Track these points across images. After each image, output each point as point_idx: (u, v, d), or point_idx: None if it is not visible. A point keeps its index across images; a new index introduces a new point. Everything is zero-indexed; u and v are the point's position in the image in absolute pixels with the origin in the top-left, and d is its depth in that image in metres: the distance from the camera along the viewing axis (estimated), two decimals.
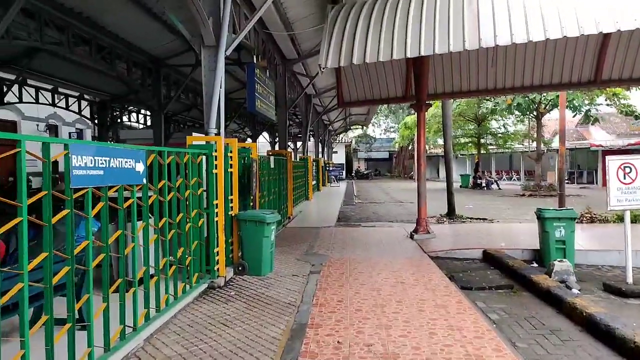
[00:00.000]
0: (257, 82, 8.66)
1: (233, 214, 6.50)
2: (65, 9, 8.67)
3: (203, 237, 5.66)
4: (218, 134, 6.24)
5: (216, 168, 5.92)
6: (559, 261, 6.20)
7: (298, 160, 18.09)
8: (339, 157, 48.43)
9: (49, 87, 16.16)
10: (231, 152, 6.47)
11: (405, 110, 54.10)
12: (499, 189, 28.05)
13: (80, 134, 23.91)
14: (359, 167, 55.71)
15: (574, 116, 24.02)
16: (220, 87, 6.27)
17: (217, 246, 5.95)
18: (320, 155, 29.39)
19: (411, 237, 9.44)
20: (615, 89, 21.33)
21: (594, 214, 10.86)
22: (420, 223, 9.57)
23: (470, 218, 12.60)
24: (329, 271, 6.62)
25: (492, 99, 23.86)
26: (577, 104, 20.51)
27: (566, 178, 26.22)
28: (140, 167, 4.02)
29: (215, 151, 5.92)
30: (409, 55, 6.72)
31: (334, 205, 17.50)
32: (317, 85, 17.86)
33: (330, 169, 36.54)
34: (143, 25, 9.85)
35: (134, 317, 3.94)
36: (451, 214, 12.97)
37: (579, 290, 5.75)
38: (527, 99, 21.45)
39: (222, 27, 6.13)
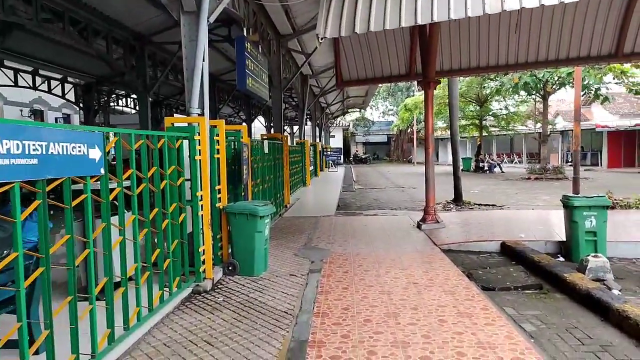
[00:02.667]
0: (247, 57, 7.77)
1: (221, 207, 5.69)
2: None
3: (185, 235, 4.86)
4: (202, 114, 5.40)
5: (199, 154, 5.10)
6: (593, 256, 5.44)
7: (295, 144, 17.23)
8: (337, 142, 47.43)
9: (29, 68, 15.17)
10: (218, 135, 5.63)
11: (405, 91, 53.08)
12: (502, 172, 27.33)
13: (67, 119, 22.95)
14: (357, 151, 54.80)
15: (583, 95, 23.11)
16: (204, 61, 5.40)
17: (203, 244, 5.16)
18: (317, 140, 28.47)
19: (418, 226, 8.67)
20: (622, 66, 20.44)
21: (615, 200, 10.08)
22: (429, 212, 8.78)
23: (479, 204, 11.84)
24: (331, 269, 5.85)
25: (498, 78, 22.88)
26: (587, 82, 19.54)
27: (570, 160, 25.51)
28: (96, 154, 3.19)
29: (198, 134, 5.08)
30: (419, 22, 5.86)
31: (333, 191, 16.70)
32: (314, 64, 16.88)
33: (328, 153, 35.69)
34: None
35: (93, 342, 3.16)
36: (458, 199, 12.20)
37: (620, 290, 5.01)
38: (534, 77, 20.48)
39: None
